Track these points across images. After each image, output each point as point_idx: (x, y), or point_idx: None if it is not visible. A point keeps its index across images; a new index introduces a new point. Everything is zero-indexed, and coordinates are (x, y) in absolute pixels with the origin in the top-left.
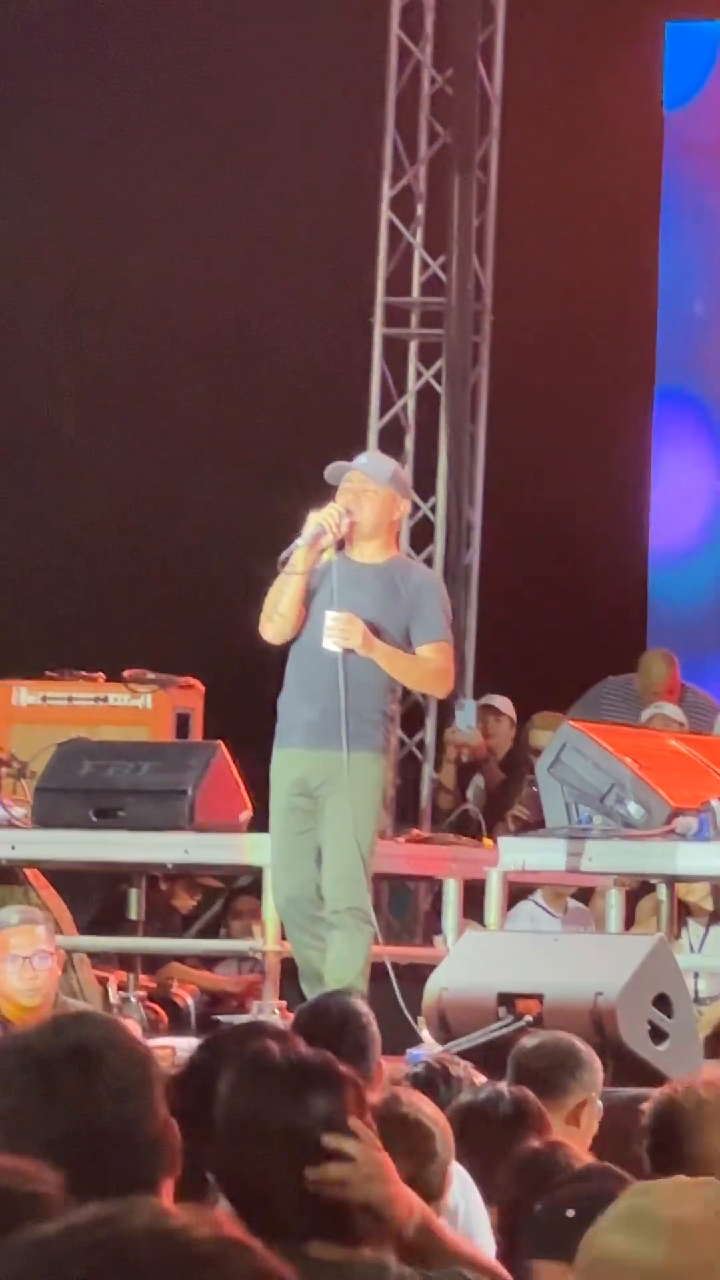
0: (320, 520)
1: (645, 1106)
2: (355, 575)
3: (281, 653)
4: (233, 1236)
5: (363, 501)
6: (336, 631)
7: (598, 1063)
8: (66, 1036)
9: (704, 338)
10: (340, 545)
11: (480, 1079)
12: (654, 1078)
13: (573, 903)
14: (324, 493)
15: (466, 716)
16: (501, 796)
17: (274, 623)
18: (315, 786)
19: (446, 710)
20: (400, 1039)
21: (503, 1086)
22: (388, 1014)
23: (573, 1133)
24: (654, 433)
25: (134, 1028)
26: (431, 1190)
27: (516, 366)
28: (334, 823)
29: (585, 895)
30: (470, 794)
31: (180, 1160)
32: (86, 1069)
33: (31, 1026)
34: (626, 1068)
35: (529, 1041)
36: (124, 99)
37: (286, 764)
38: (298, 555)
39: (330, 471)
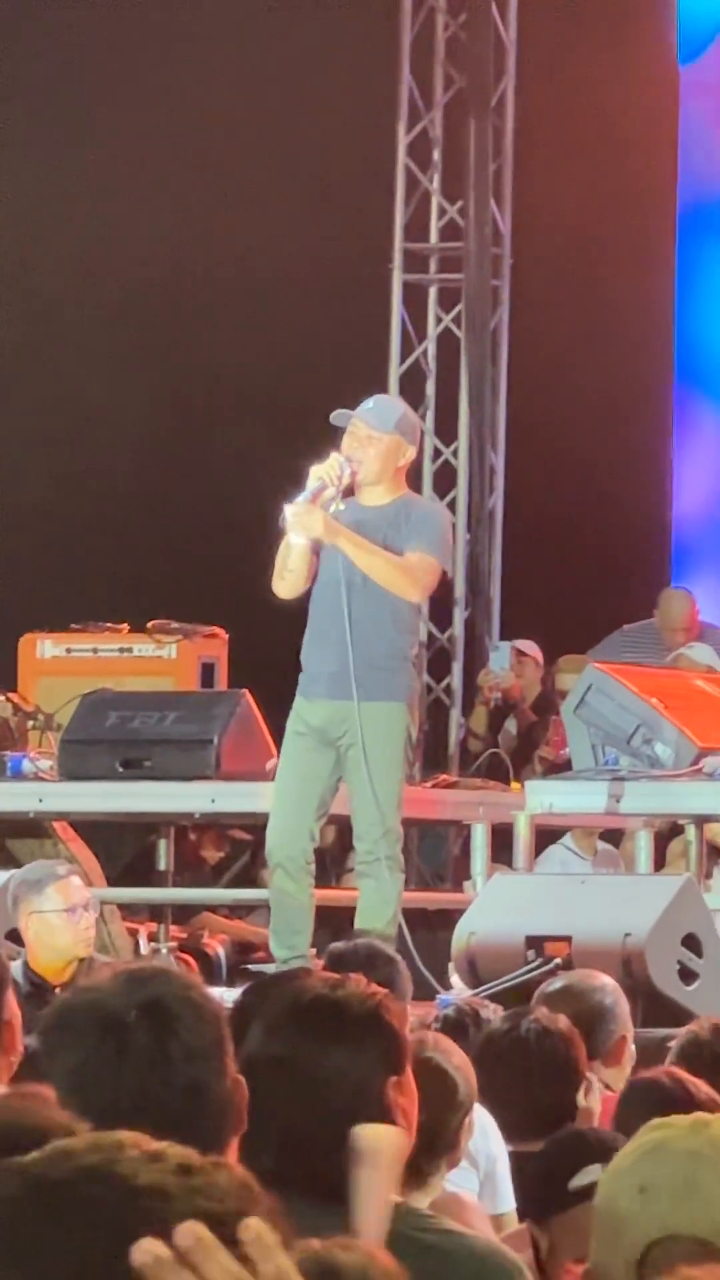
0: (321, 474)
1: (672, 1044)
2: (363, 520)
3: (305, 600)
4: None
5: (366, 449)
6: (298, 525)
7: (625, 1001)
8: (141, 992)
9: None
10: (347, 493)
11: None
12: (684, 1018)
13: (602, 845)
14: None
15: (500, 658)
16: (530, 739)
17: (285, 580)
18: (338, 737)
19: (474, 655)
20: (418, 988)
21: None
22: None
23: (615, 1073)
24: (675, 372)
25: None
26: (448, 1141)
27: (536, 310)
28: (360, 771)
29: (617, 838)
30: (501, 738)
31: (245, 1118)
32: (160, 1027)
33: (104, 980)
34: (656, 1008)
35: (556, 983)
36: (141, 47)
37: (307, 712)
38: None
39: (335, 417)
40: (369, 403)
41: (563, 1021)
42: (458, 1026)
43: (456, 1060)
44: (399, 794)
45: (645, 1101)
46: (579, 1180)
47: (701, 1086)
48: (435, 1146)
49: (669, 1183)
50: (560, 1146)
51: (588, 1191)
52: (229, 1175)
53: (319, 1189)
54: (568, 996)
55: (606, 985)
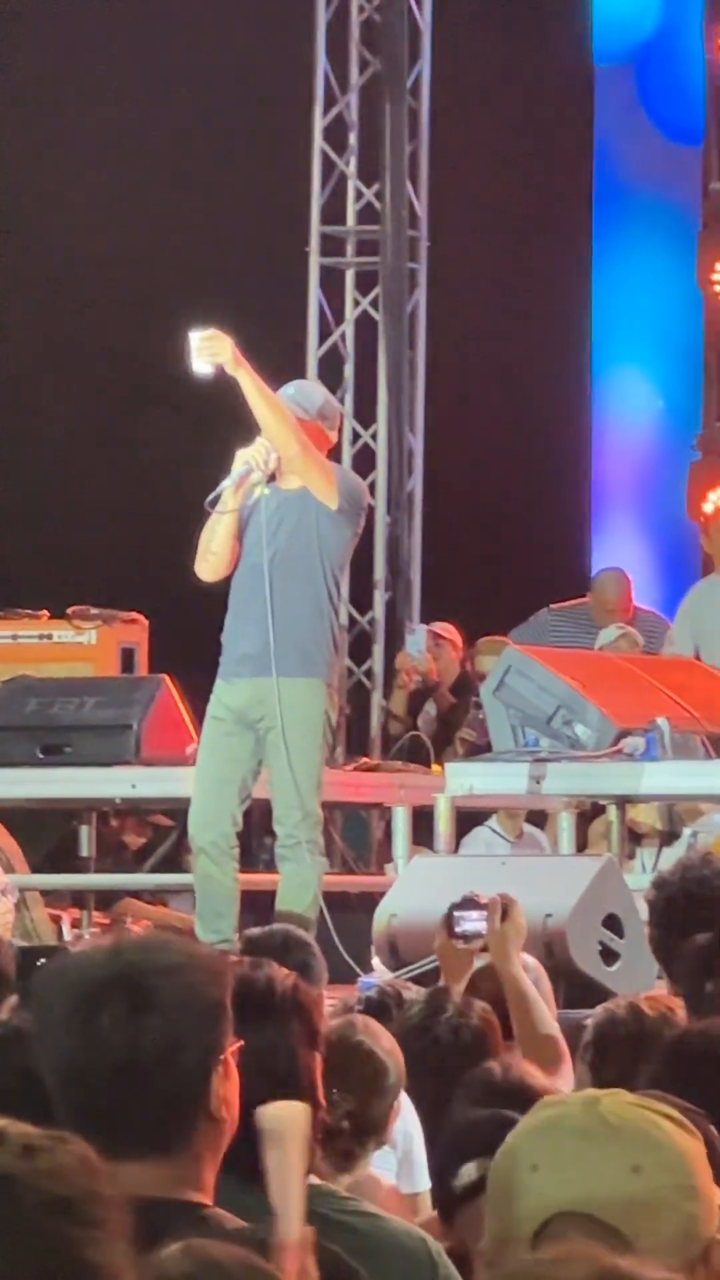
0: (247, 457)
1: (587, 1023)
2: (285, 504)
3: (226, 586)
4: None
5: None
6: (205, 350)
7: (548, 981)
8: (121, 961)
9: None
10: (270, 478)
11: None
12: (606, 998)
13: (528, 827)
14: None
15: (417, 642)
16: (450, 722)
17: (208, 562)
18: (257, 719)
19: (394, 638)
20: (337, 972)
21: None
22: (325, 948)
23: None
24: (592, 352)
25: None
26: (376, 1124)
27: (454, 292)
28: (280, 755)
29: (543, 820)
30: (421, 721)
31: (232, 1108)
32: (137, 997)
33: (88, 949)
34: (578, 989)
35: (478, 962)
36: (58, 29)
37: (226, 694)
38: (226, 494)
39: None
40: (290, 388)
41: (479, 1009)
42: (380, 1008)
43: (386, 1044)
44: (318, 777)
45: (476, 1090)
46: (460, 1181)
47: (529, 1072)
48: (364, 1130)
49: (560, 1160)
50: (444, 1146)
51: (475, 1187)
52: (71, 1153)
53: (242, 1169)
54: (491, 976)
55: (528, 964)
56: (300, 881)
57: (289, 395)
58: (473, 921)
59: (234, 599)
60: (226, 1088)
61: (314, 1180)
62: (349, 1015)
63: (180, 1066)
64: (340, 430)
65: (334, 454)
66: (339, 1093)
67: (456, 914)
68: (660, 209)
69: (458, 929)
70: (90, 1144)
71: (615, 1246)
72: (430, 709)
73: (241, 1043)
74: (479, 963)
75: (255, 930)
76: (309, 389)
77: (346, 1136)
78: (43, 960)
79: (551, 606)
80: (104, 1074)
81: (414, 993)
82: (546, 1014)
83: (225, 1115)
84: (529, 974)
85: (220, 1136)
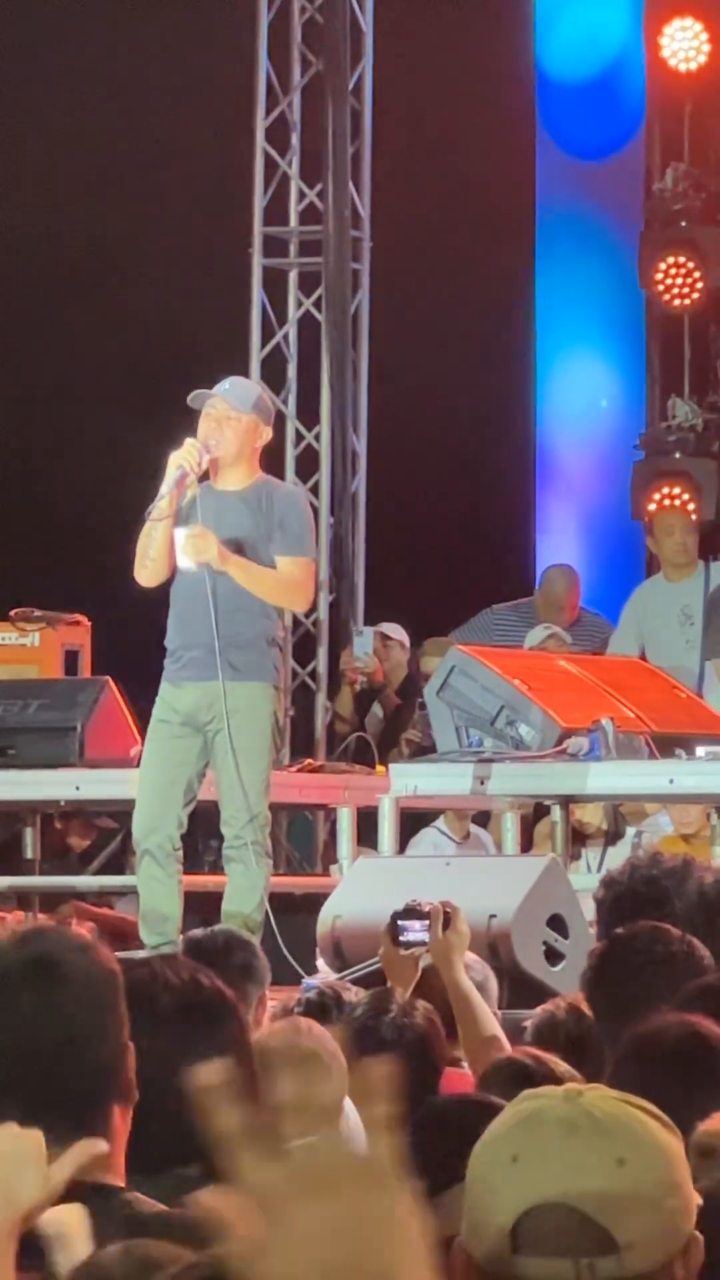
0: (180, 461)
1: (527, 1024)
2: (220, 504)
3: (167, 588)
4: None
5: (224, 429)
6: (190, 547)
7: (495, 981)
8: (29, 948)
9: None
10: (204, 477)
11: None
12: (550, 999)
13: (474, 828)
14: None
15: (364, 644)
16: (396, 723)
17: (146, 568)
18: (205, 722)
19: (339, 639)
20: (281, 974)
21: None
22: (270, 950)
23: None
24: (536, 350)
25: None
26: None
27: (397, 292)
28: (227, 757)
29: (487, 821)
30: (368, 722)
31: (135, 1089)
32: (44, 981)
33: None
34: (522, 990)
35: (424, 961)
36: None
37: (173, 697)
38: (163, 503)
39: (193, 398)
40: (225, 384)
41: (422, 1009)
42: (320, 1009)
43: (330, 1047)
44: (266, 779)
45: (504, 1080)
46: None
47: (560, 1064)
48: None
49: (542, 1151)
50: (421, 1131)
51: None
52: None
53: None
54: (436, 975)
55: (473, 964)
56: (247, 884)
57: (225, 390)
58: (416, 931)
59: (177, 601)
60: (130, 1069)
61: None
62: (293, 1019)
63: (98, 1044)
64: (283, 431)
65: (278, 454)
66: None
67: (400, 923)
68: (603, 207)
69: (401, 938)
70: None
71: (597, 1240)
72: (377, 710)
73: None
74: (426, 963)
75: (198, 932)
76: (244, 384)
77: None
78: None
79: (494, 606)
80: (24, 1054)
81: (353, 994)
82: (490, 1017)
83: (133, 1096)
84: (474, 974)
85: (128, 1119)
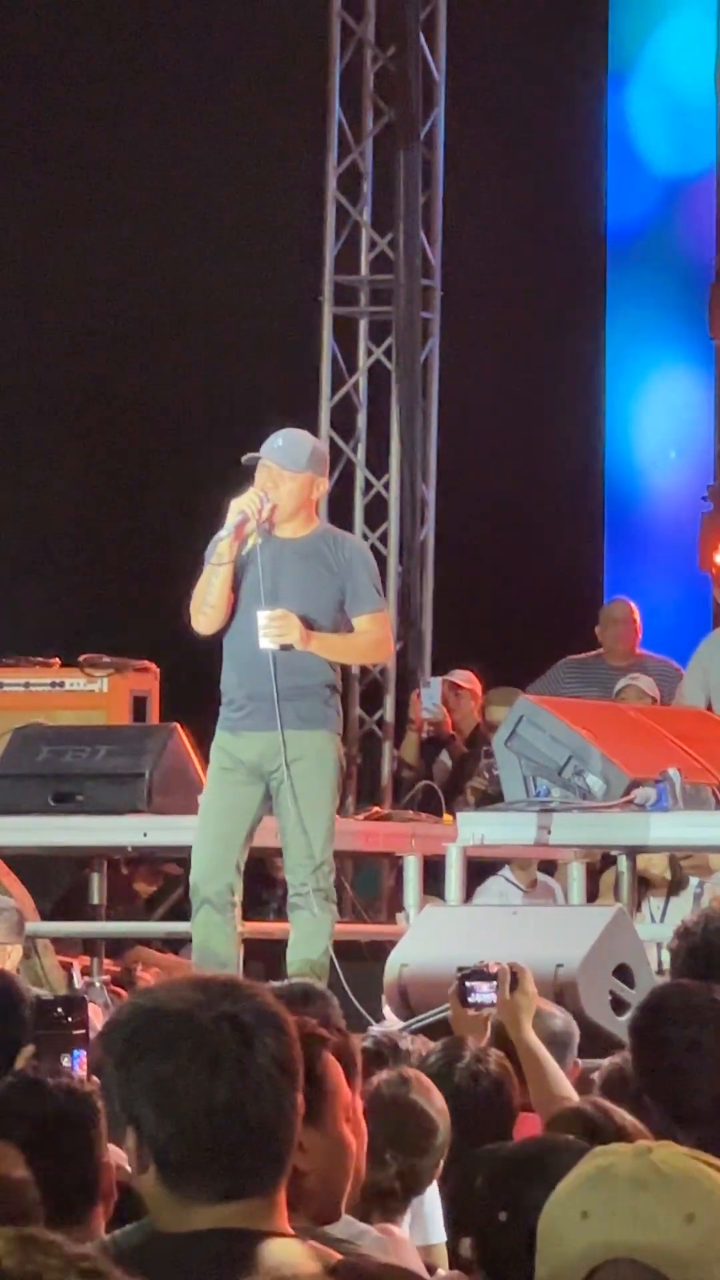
0: (242, 507)
1: (595, 1076)
2: (281, 554)
3: None
4: None
5: (279, 488)
6: (272, 630)
7: (576, 1030)
8: (220, 1009)
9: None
10: (264, 527)
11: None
12: (616, 1048)
13: (541, 877)
14: None
15: (431, 694)
16: (462, 771)
17: (205, 615)
18: (269, 771)
19: (406, 687)
20: (349, 1020)
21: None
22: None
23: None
24: (605, 403)
25: (97, 1013)
26: (420, 1183)
27: (467, 341)
28: (290, 805)
29: (554, 869)
30: (436, 770)
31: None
32: (246, 1039)
33: (181, 990)
34: (588, 1039)
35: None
36: (72, 84)
37: (233, 746)
38: (222, 546)
39: (246, 460)
40: (277, 440)
41: (494, 1055)
42: (376, 1059)
43: (437, 1103)
44: (330, 826)
45: (568, 1130)
46: (460, 1251)
47: (625, 1115)
48: (409, 1190)
49: (612, 1208)
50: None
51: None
52: None
53: None
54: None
55: (556, 1012)
56: (313, 930)
57: (276, 448)
58: (483, 993)
59: (233, 649)
60: (298, 1127)
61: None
62: (402, 1071)
63: (284, 1104)
64: (352, 480)
65: (346, 504)
66: (391, 1152)
67: (468, 984)
68: (673, 256)
69: (470, 999)
70: (198, 1184)
71: None
72: (445, 759)
73: None
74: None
75: (275, 984)
76: (296, 439)
77: (398, 1197)
78: (61, 1008)
79: (568, 658)
80: (217, 1116)
81: (408, 1043)
82: (561, 1077)
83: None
84: (556, 1022)
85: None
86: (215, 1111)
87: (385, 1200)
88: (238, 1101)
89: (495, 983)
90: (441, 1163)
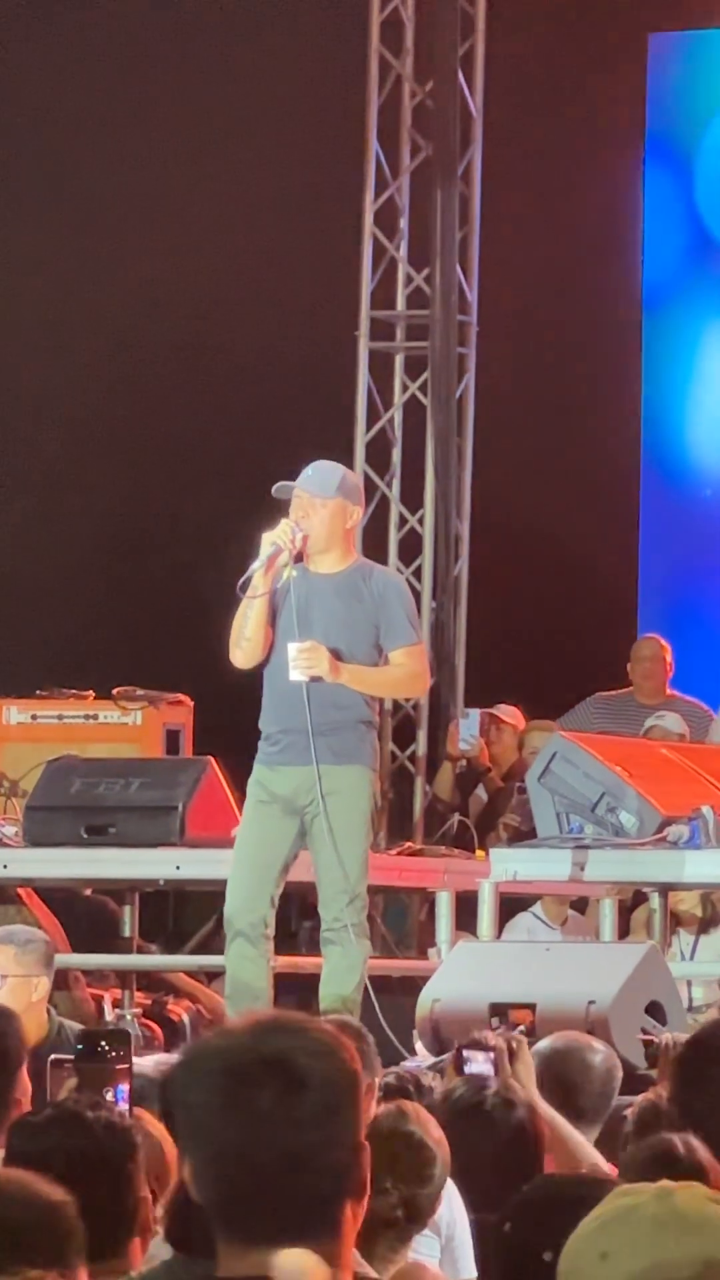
0: (274, 539)
1: (628, 1112)
2: (316, 588)
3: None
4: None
5: (312, 517)
6: (301, 662)
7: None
8: (268, 1046)
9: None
10: (298, 558)
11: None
12: (647, 1086)
13: (572, 913)
14: None
15: (469, 726)
16: (496, 806)
17: (242, 649)
18: (304, 805)
19: (439, 722)
20: (384, 1054)
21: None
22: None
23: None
24: (642, 440)
25: None
26: (424, 1211)
27: (503, 377)
28: (325, 838)
29: (584, 907)
30: (471, 804)
31: (367, 1184)
32: (287, 1083)
33: (236, 1029)
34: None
35: (546, 1044)
36: (104, 113)
37: (270, 780)
38: (256, 578)
39: (277, 490)
40: (308, 470)
41: (522, 1091)
42: (399, 1093)
43: (435, 1133)
44: (364, 860)
45: (648, 1161)
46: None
47: (706, 1152)
48: (411, 1219)
49: (632, 1249)
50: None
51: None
52: None
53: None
54: (555, 1057)
55: (599, 1048)
56: (346, 964)
57: (307, 477)
58: (479, 1063)
59: (270, 682)
60: (364, 1167)
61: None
62: (399, 1103)
63: (334, 1148)
64: (386, 515)
65: (381, 539)
66: (391, 1182)
67: (465, 1053)
68: (714, 287)
69: (466, 1069)
70: (247, 1229)
71: None
72: (481, 793)
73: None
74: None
75: None
76: (326, 468)
77: (400, 1225)
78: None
79: (598, 695)
80: (265, 1158)
81: (431, 1078)
82: (582, 1143)
83: (364, 1192)
84: (599, 1056)
85: (359, 1214)
86: (255, 1154)
87: (390, 1230)
88: (287, 1143)
89: (492, 1054)
90: (441, 1194)
